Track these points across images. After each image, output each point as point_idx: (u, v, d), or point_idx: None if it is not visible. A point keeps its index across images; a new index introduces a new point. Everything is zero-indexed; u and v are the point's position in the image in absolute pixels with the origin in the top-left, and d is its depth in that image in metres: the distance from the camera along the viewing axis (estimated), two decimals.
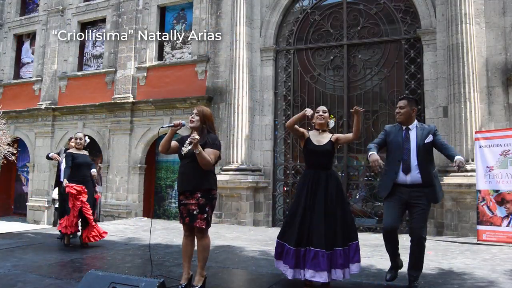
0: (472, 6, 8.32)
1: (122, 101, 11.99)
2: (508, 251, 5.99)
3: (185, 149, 3.59)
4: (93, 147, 12.87)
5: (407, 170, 3.66)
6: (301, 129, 3.91)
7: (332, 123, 3.99)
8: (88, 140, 6.31)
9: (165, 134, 3.73)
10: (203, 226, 3.47)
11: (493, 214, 6.71)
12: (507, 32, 8.39)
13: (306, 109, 3.79)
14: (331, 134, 3.92)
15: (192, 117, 3.65)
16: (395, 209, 3.69)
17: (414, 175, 3.65)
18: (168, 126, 3.65)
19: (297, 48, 10.32)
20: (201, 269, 3.57)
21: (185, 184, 3.55)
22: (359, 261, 3.69)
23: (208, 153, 3.50)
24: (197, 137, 3.36)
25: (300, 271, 3.56)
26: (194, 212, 3.51)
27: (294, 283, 3.96)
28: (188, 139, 3.56)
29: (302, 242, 3.57)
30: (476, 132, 7.38)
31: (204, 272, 3.61)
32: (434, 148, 3.76)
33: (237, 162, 9.73)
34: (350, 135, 3.96)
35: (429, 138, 3.70)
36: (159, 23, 12.33)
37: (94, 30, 13.65)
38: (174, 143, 3.71)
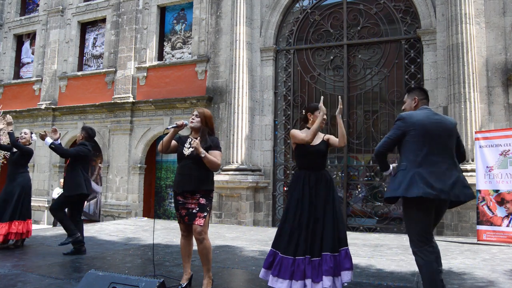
0: (472, 6, 8.32)
1: (122, 101, 12.00)
2: (508, 251, 5.99)
3: (187, 150, 3.60)
4: (93, 147, 12.87)
5: None
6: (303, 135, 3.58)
7: None
8: (34, 138, 6.10)
9: (166, 133, 3.73)
10: (201, 224, 3.47)
11: (493, 214, 6.71)
12: (507, 32, 8.40)
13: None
14: (323, 134, 3.68)
15: (193, 118, 3.67)
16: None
17: None
18: (172, 127, 3.66)
19: (297, 48, 10.32)
20: (208, 272, 3.55)
21: (186, 184, 3.54)
22: (350, 268, 3.33)
23: (215, 155, 3.55)
24: (197, 142, 3.39)
25: (278, 279, 3.27)
26: (194, 211, 3.51)
27: None
28: (189, 143, 3.60)
29: (296, 251, 3.30)
30: (476, 132, 7.38)
31: (211, 274, 3.59)
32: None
33: (237, 162, 9.73)
34: (337, 140, 3.59)
35: None
36: (159, 23, 12.34)
37: (94, 30, 13.67)
38: (173, 142, 3.72)
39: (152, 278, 3.23)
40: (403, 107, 3.29)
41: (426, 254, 2.80)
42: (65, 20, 13.85)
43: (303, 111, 3.73)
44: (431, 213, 2.87)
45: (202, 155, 3.43)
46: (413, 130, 2.96)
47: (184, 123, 3.67)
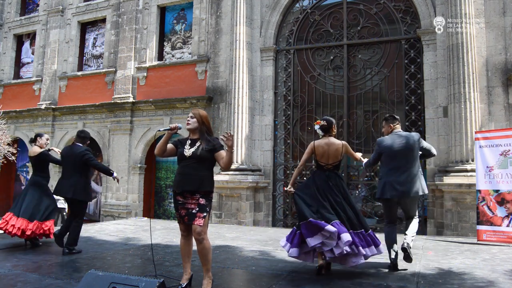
0: (472, 6, 8.32)
1: (122, 101, 12.00)
2: (508, 251, 5.99)
3: (188, 151, 3.60)
4: (93, 147, 12.88)
5: None
6: None
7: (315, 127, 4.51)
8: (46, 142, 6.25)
9: (161, 137, 3.73)
10: (201, 224, 3.47)
11: (493, 214, 6.70)
12: (507, 32, 8.40)
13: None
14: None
15: (188, 120, 3.68)
16: None
17: None
18: (165, 130, 3.66)
19: (297, 48, 10.32)
20: (207, 272, 3.55)
21: (186, 184, 3.54)
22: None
23: (224, 156, 3.58)
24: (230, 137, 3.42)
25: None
26: (193, 211, 3.51)
27: (293, 283, 3.97)
28: (189, 145, 3.62)
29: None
30: (476, 132, 7.37)
31: (211, 274, 3.59)
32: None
33: (237, 162, 9.73)
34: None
35: None
36: (159, 23, 12.34)
37: (94, 30, 13.67)
38: (170, 146, 3.72)
39: (153, 278, 3.23)
40: (382, 130, 4.86)
41: (387, 228, 4.68)
42: (65, 20, 13.85)
43: (329, 122, 4.50)
44: (395, 205, 4.67)
45: (232, 150, 3.52)
46: (384, 152, 4.58)
47: (177, 126, 3.66)
